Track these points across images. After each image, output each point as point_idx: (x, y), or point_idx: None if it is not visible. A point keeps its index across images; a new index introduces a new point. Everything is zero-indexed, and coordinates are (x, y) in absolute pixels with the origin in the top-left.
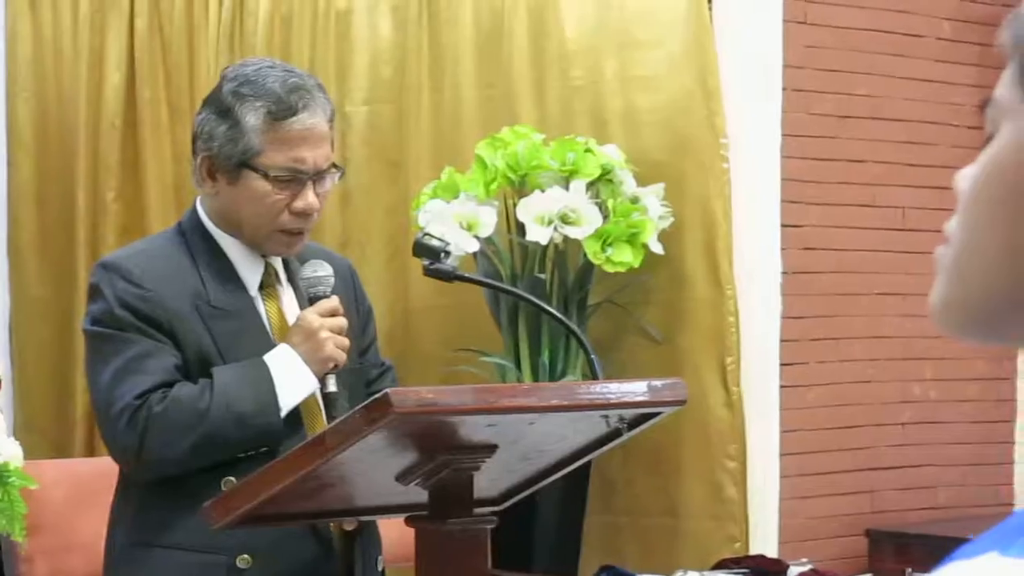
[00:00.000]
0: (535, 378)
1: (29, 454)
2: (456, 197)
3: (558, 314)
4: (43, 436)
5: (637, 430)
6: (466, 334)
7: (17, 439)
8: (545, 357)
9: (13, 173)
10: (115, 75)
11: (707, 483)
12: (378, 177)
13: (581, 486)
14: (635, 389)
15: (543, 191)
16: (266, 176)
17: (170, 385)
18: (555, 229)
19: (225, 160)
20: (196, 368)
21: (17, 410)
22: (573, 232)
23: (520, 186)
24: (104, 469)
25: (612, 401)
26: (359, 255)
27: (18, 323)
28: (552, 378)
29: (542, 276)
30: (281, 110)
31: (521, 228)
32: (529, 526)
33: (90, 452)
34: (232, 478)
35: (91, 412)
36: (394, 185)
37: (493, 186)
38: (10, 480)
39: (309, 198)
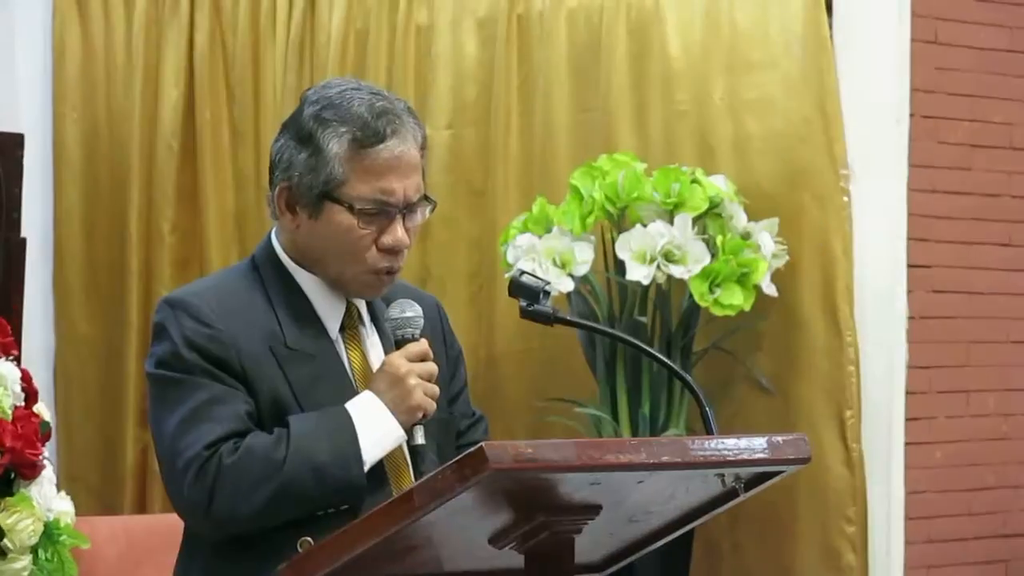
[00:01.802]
0: (634, 432)
1: (75, 510)
2: (548, 231)
3: (670, 362)
4: (89, 490)
5: (754, 491)
6: (557, 382)
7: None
8: (646, 409)
9: (59, 200)
10: (172, 93)
11: (823, 549)
12: (461, 208)
13: (684, 551)
14: (754, 445)
15: (644, 225)
16: (351, 209)
17: (242, 435)
18: (657, 267)
19: (306, 191)
20: (270, 416)
21: (61, 461)
22: (677, 271)
23: (619, 220)
24: (162, 526)
25: (729, 459)
26: (439, 293)
27: (63, 365)
28: (653, 432)
29: (643, 319)
30: (367, 136)
31: (620, 266)
32: None
33: (141, 509)
34: (309, 538)
35: (142, 465)
36: (478, 217)
37: (589, 219)
38: (60, 539)
39: (398, 233)
